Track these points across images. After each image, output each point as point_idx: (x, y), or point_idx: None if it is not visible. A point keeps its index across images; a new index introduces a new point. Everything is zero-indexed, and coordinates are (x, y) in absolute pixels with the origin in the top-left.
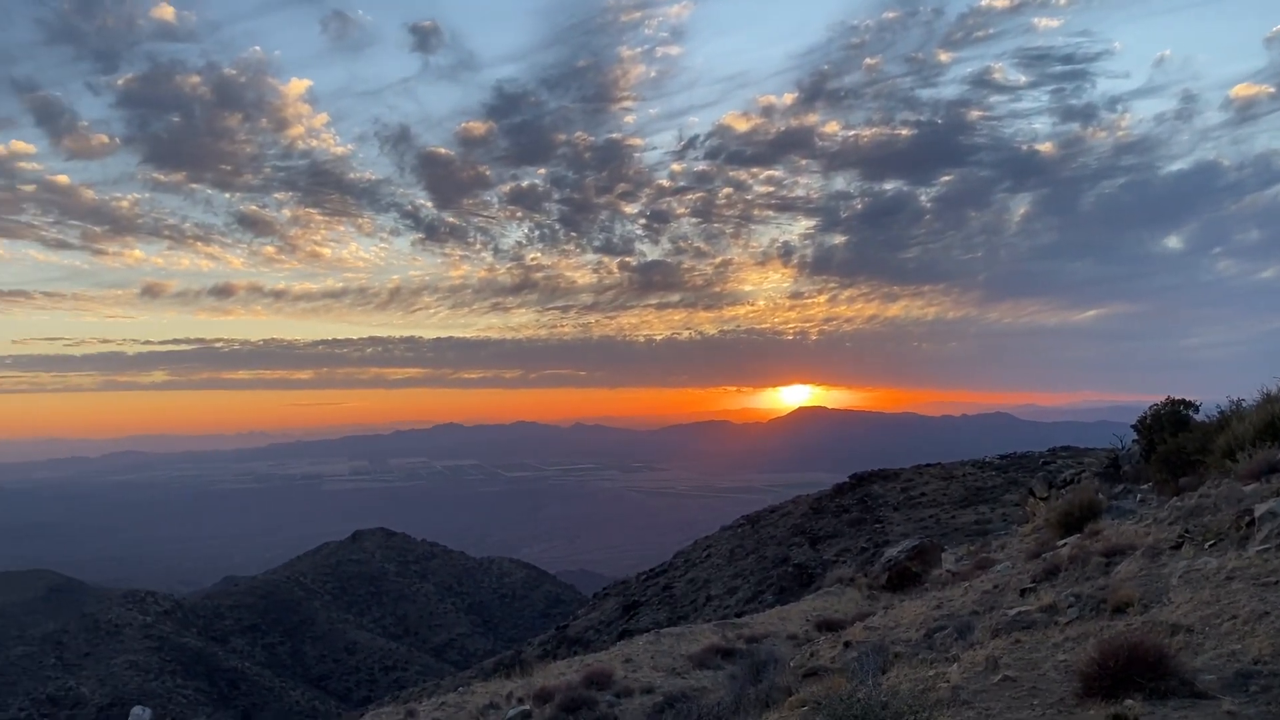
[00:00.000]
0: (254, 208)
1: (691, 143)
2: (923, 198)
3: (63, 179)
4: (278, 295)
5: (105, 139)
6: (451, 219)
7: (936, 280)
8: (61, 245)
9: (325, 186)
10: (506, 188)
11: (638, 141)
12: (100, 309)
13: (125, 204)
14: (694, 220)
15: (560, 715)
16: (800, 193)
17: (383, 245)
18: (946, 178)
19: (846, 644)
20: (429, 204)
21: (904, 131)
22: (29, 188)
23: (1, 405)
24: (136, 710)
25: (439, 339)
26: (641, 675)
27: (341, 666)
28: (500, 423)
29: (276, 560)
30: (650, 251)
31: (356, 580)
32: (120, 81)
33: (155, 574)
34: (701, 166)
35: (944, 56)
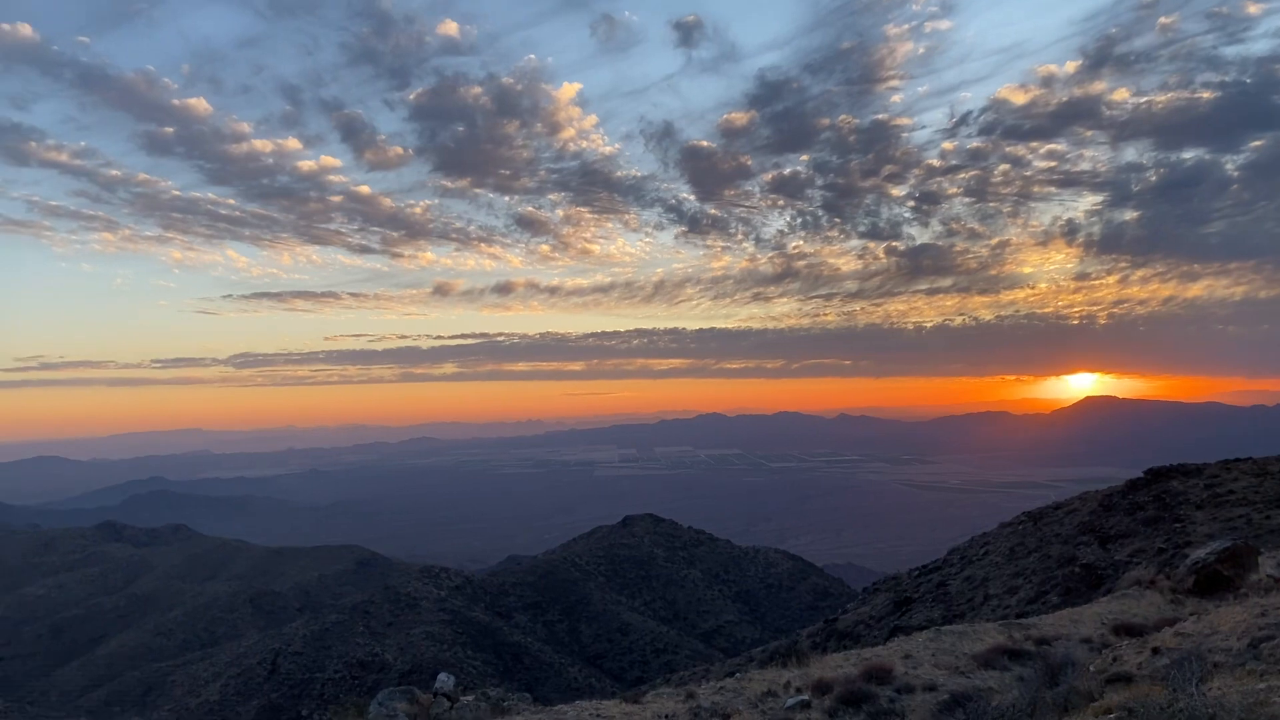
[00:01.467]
0: (530, 209)
1: (964, 119)
2: (1228, 166)
3: (365, 189)
4: (552, 291)
5: (400, 151)
6: (713, 210)
7: (1245, 256)
8: (364, 250)
9: (594, 185)
10: (768, 176)
11: (905, 121)
12: (398, 307)
13: (418, 210)
14: (967, 200)
15: (840, 707)
16: (1085, 166)
17: (647, 240)
18: (1257, 143)
19: (1155, 650)
20: (691, 197)
21: (1205, 94)
22: (337, 198)
23: (316, 396)
24: (442, 677)
25: (702, 330)
26: (922, 672)
27: (615, 647)
28: (763, 413)
29: (554, 541)
30: (919, 235)
31: (627, 564)
32: (412, 96)
33: (447, 551)
34: (975, 143)
35: (1253, 8)
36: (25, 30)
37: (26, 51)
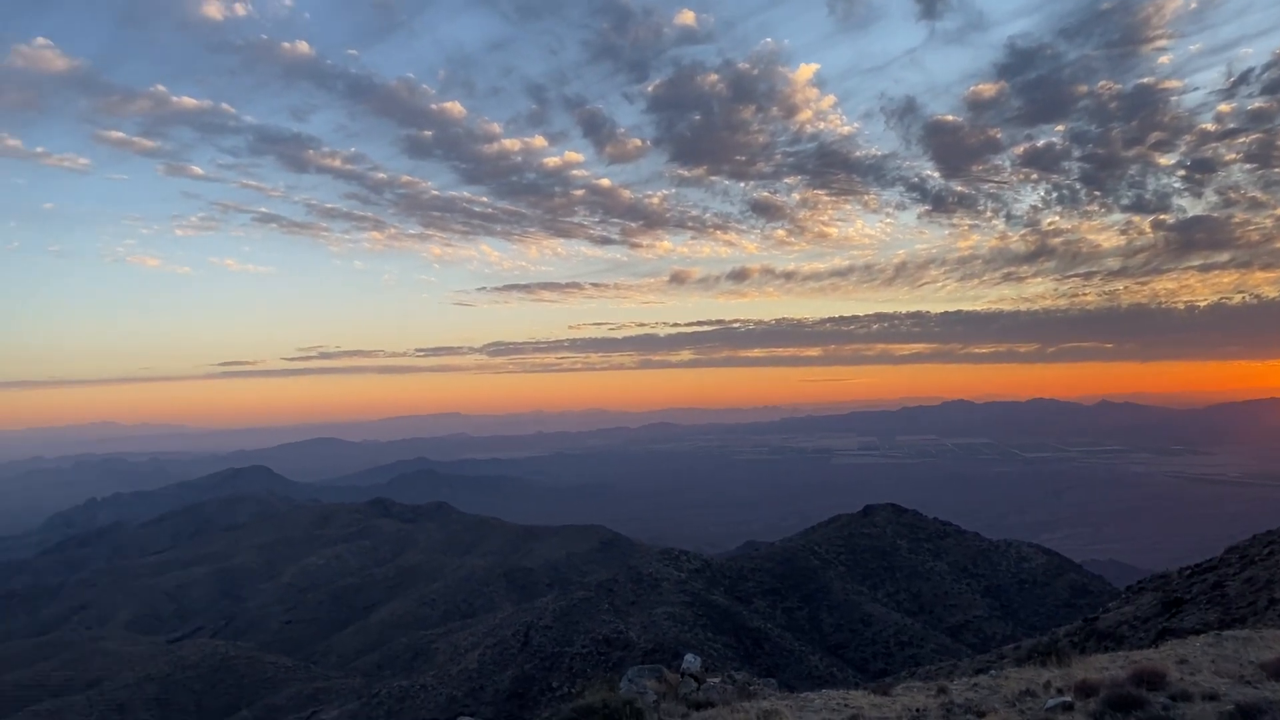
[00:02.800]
0: (766, 194)
1: (1244, 78)
2: None
3: (605, 182)
4: (788, 276)
5: (639, 143)
6: (959, 188)
7: None
8: (605, 241)
9: (832, 167)
10: (1019, 149)
11: (1174, 84)
12: (637, 296)
13: (655, 200)
14: (1248, 167)
15: (1106, 711)
16: None
17: (888, 220)
18: None
19: None
20: (935, 174)
21: None
22: (579, 192)
23: (561, 382)
24: (689, 658)
25: (947, 313)
26: (1201, 680)
27: (857, 637)
28: (1015, 399)
29: (791, 529)
30: (1191, 207)
31: (869, 554)
32: (650, 88)
33: (685, 534)
34: (1257, 104)
35: None
36: (303, 47)
37: (305, 67)
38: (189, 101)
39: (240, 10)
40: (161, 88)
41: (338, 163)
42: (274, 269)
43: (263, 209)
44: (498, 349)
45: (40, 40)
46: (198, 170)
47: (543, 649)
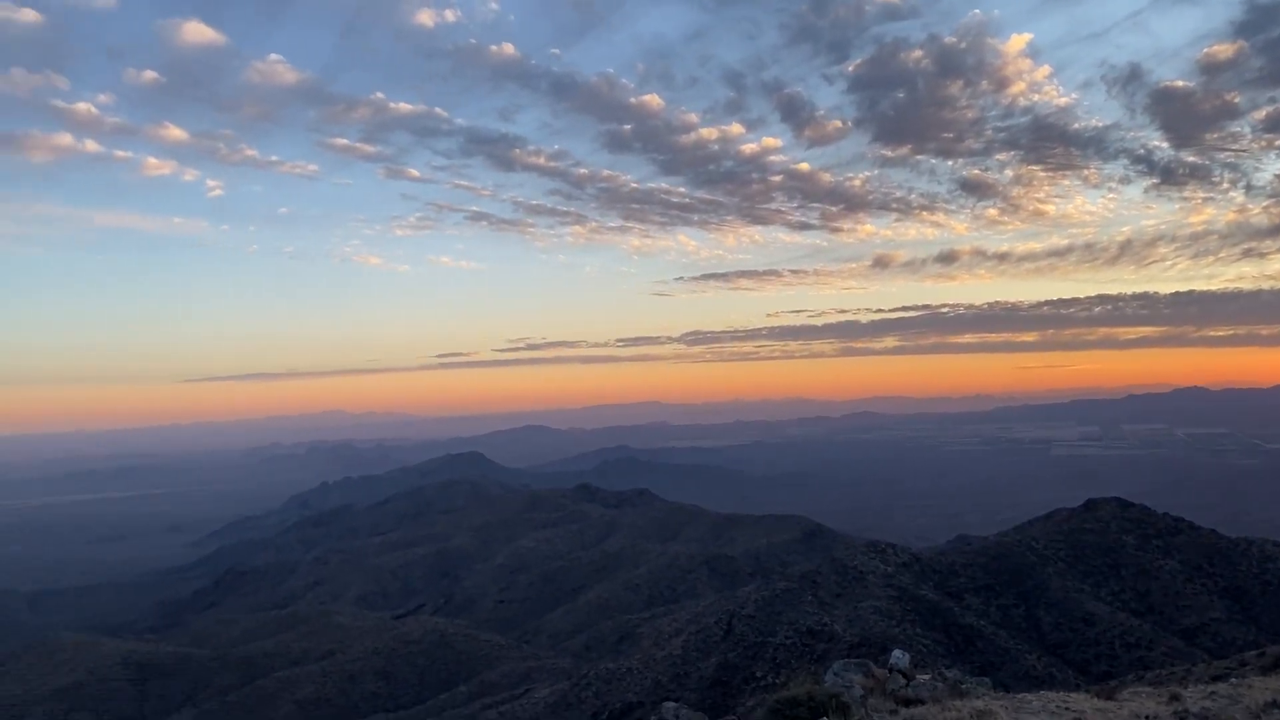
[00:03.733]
0: (976, 172)
1: None
2: None
3: (803, 166)
4: (1000, 258)
5: (838, 124)
6: (1191, 158)
7: None
8: (804, 227)
9: (1048, 141)
10: (1261, 114)
11: None
12: (837, 282)
13: (857, 182)
14: None
15: None
16: None
17: (1111, 196)
18: None
19: None
20: (1164, 145)
21: None
22: (777, 178)
23: (760, 371)
24: (897, 653)
25: (1178, 293)
26: None
27: (1079, 637)
28: (1258, 386)
29: (1006, 523)
30: None
31: (1091, 551)
32: (850, 68)
33: (891, 527)
34: None
35: None
36: (509, 49)
37: (511, 68)
38: (405, 107)
39: (450, 16)
40: (380, 95)
41: (542, 160)
42: (484, 265)
43: (473, 208)
44: (696, 338)
45: (273, 56)
46: (414, 173)
47: (745, 638)
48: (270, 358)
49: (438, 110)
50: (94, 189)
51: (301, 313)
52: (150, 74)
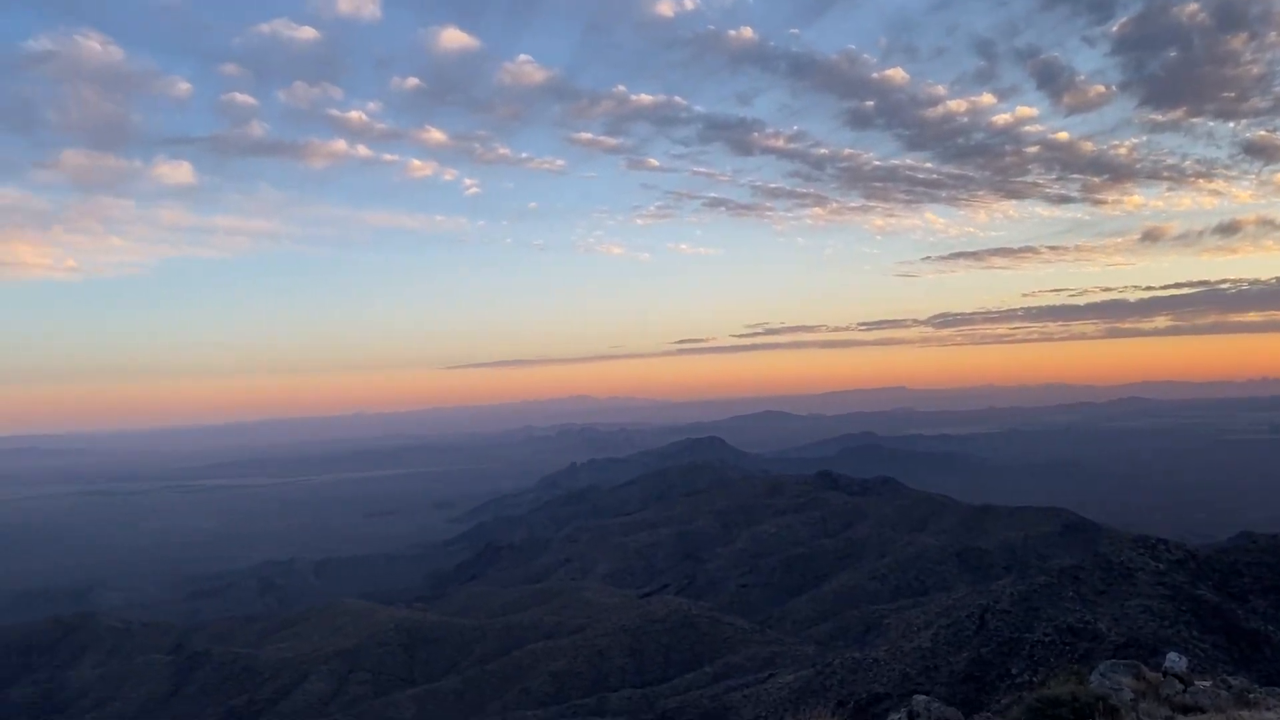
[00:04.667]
0: (1262, 133)
1: None
2: None
3: (1062, 135)
4: None
5: (1101, 89)
6: None
7: None
8: (1063, 200)
9: None
10: None
11: None
12: (1100, 258)
13: (1123, 150)
14: None
15: None
16: None
17: None
18: None
19: None
20: None
21: None
22: (1033, 149)
23: (1015, 354)
24: (1173, 657)
25: None
26: None
27: None
28: None
29: None
30: None
31: None
32: (1115, 28)
33: (1162, 521)
34: None
35: None
36: (747, 33)
37: (749, 51)
38: (645, 98)
39: (689, 4)
40: (622, 88)
41: (781, 143)
42: (722, 250)
43: (712, 194)
44: (944, 320)
45: (523, 57)
46: (654, 162)
47: (1000, 633)
48: (523, 345)
49: (677, 99)
50: (365, 191)
51: (550, 302)
52: (413, 80)
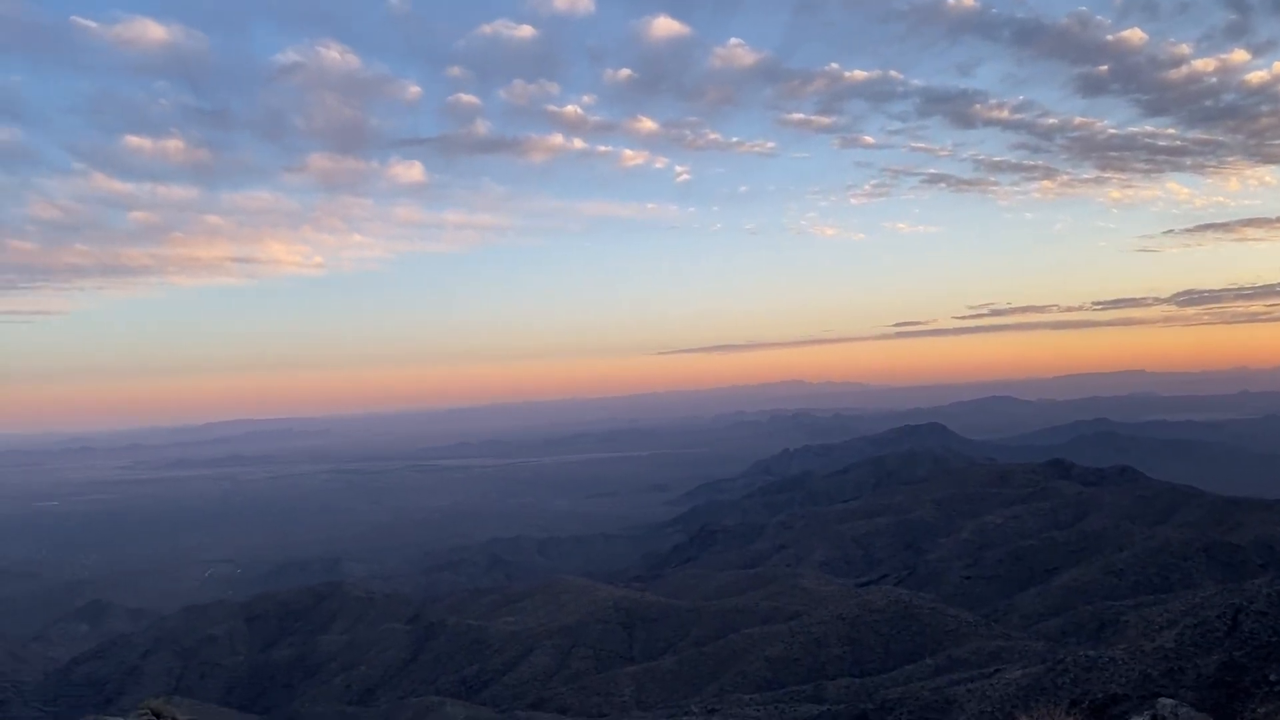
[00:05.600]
0: None
1: None
2: None
3: None
4: None
5: None
6: None
7: None
8: None
9: None
10: None
11: None
12: None
13: None
14: None
15: None
16: None
17: None
18: None
19: None
20: None
21: None
22: None
23: (1272, 333)
24: None
25: None
26: None
27: None
28: None
29: None
30: None
31: None
32: None
33: None
34: None
35: None
36: (967, 1)
37: (969, 20)
38: (859, 74)
39: None
40: (835, 65)
41: (1005, 114)
42: (942, 228)
43: (930, 170)
44: (1190, 298)
45: (733, 40)
46: (868, 140)
47: (1255, 636)
48: (734, 329)
49: (892, 73)
50: (580, 182)
51: (761, 286)
52: (625, 72)
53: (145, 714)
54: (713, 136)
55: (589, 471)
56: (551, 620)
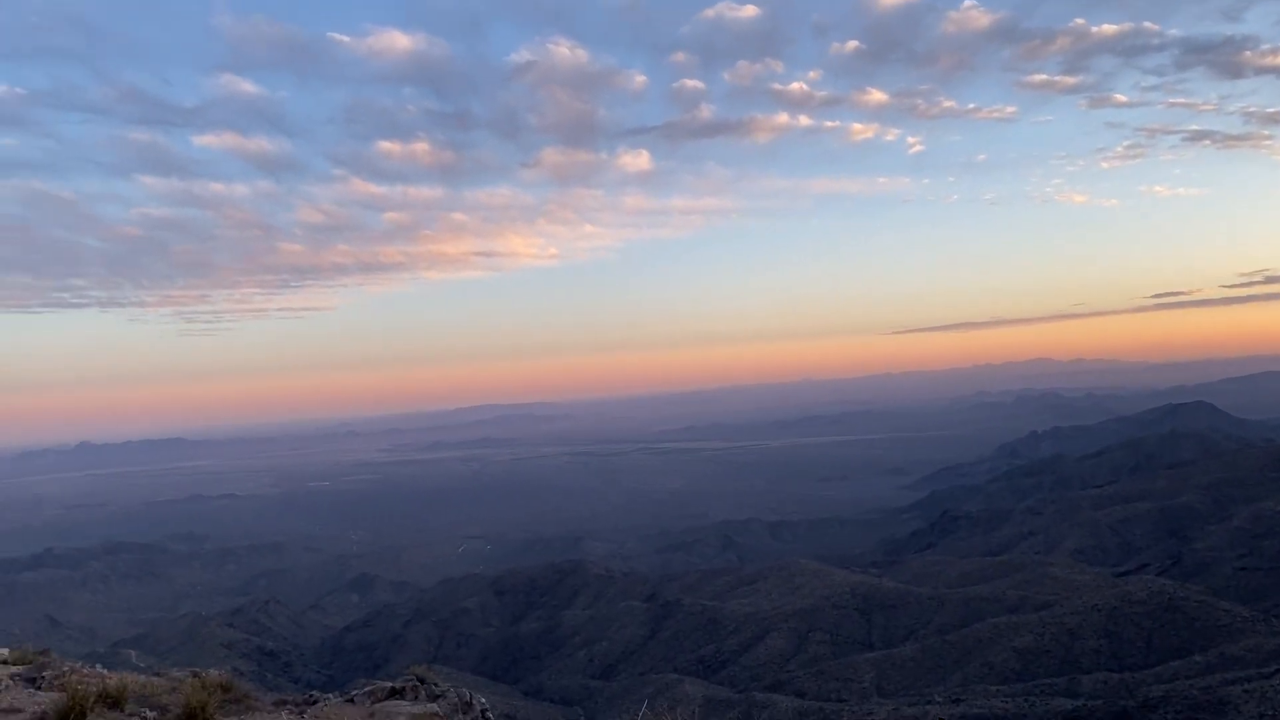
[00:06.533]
0: None
1: None
2: None
3: None
4: None
5: None
6: None
7: None
8: None
9: None
10: None
11: None
12: None
13: None
14: None
15: None
16: None
17: None
18: None
19: None
20: None
21: None
22: None
23: None
24: None
25: None
26: None
27: None
28: None
29: None
30: None
31: None
32: None
33: None
34: None
35: None
36: None
37: None
38: (1108, 29)
39: None
40: (1080, 21)
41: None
42: (1208, 190)
43: (1192, 127)
44: None
45: (967, 3)
46: (1120, 98)
47: None
48: (974, 306)
49: (1146, 25)
50: (806, 160)
51: (1003, 259)
52: (852, 44)
53: (411, 680)
54: (947, 104)
55: (821, 455)
56: (786, 603)
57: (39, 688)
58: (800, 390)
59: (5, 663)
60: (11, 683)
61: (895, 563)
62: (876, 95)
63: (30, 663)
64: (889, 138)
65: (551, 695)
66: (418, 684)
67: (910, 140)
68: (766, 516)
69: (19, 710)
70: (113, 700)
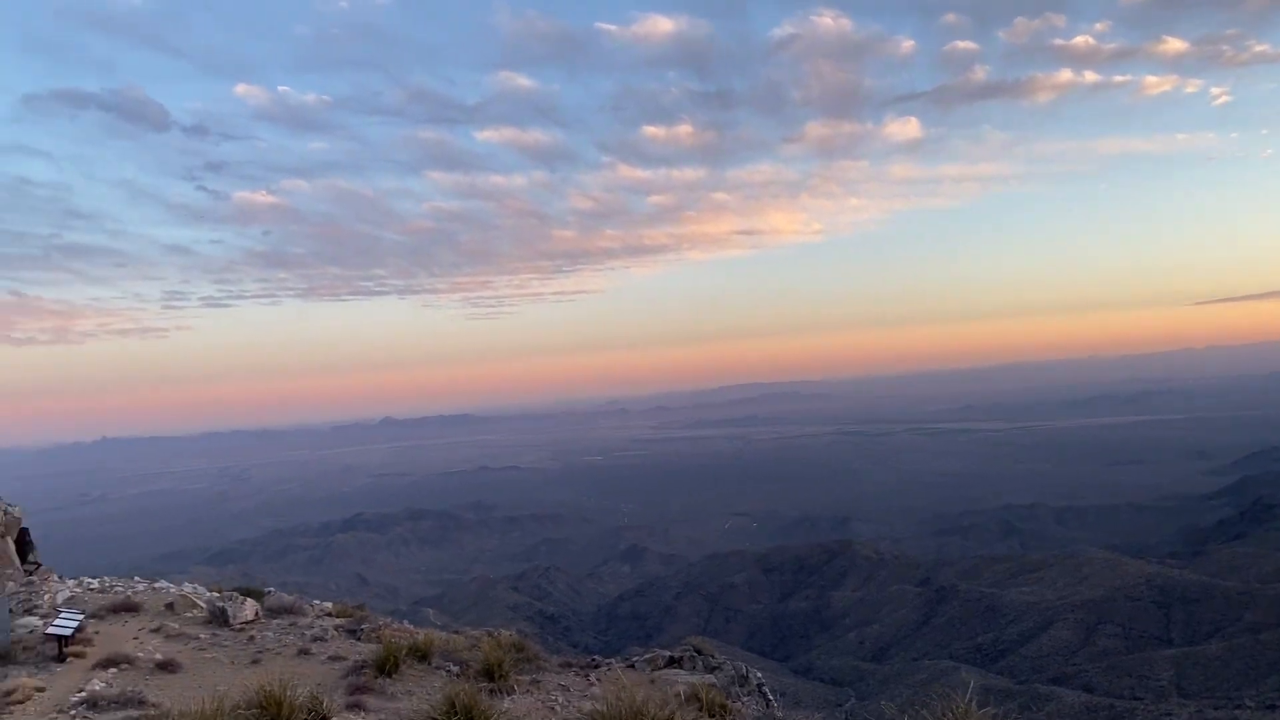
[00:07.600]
0: None
1: None
2: None
3: None
4: None
5: None
6: None
7: None
8: None
9: None
10: None
11: None
12: None
13: None
14: None
15: None
16: None
17: None
18: None
19: None
20: None
21: None
22: None
23: None
24: None
25: None
26: None
27: None
28: None
29: None
30: None
31: None
32: None
33: None
34: None
35: None
36: None
37: None
38: None
39: None
40: None
41: None
42: None
43: None
44: None
45: None
46: None
47: None
48: None
49: None
50: (1092, 119)
51: None
52: None
53: (689, 650)
54: (1259, 49)
55: (1113, 436)
56: (1072, 593)
57: (359, 639)
58: (1089, 367)
59: (330, 614)
60: (336, 634)
61: (1198, 554)
62: (1174, 44)
63: (350, 616)
64: (1190, 90)
65: (821, 675)
66: (695, 655)
67: (1215, 91)
68: (1052, 502)
69: (344, 659)
70: (421, 654)
